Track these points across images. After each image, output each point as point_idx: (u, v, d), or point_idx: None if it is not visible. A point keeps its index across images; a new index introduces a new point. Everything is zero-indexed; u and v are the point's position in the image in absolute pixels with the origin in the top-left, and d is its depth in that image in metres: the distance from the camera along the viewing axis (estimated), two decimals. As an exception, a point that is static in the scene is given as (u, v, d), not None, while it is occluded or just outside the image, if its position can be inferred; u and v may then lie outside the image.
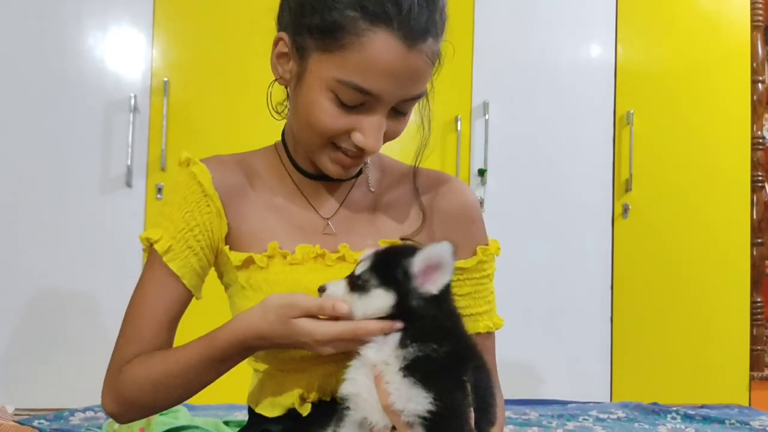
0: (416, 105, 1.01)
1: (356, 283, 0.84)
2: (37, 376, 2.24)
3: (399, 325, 0.81)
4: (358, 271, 0.85)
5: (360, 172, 1.08)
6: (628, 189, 2.58)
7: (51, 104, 2.28)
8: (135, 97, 2.30)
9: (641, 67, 2.62)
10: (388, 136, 0.98)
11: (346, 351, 0.85)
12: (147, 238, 1.01)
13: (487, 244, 1.09)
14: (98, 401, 1.93)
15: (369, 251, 0.87)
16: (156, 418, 1.52)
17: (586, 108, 2.60)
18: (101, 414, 1.75)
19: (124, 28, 2.34)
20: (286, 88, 1.04)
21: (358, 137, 0.94)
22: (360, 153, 0.96)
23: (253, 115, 2.37)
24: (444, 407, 0.77)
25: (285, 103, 1.08)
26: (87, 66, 2.32)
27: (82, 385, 2.24)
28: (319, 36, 0.93)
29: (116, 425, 1.51)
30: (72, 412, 1.75)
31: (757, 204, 2.65)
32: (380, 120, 0.94)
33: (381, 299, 0.82)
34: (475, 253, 1.06)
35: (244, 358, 0.94)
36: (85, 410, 1.77)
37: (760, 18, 2.68)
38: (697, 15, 2.66)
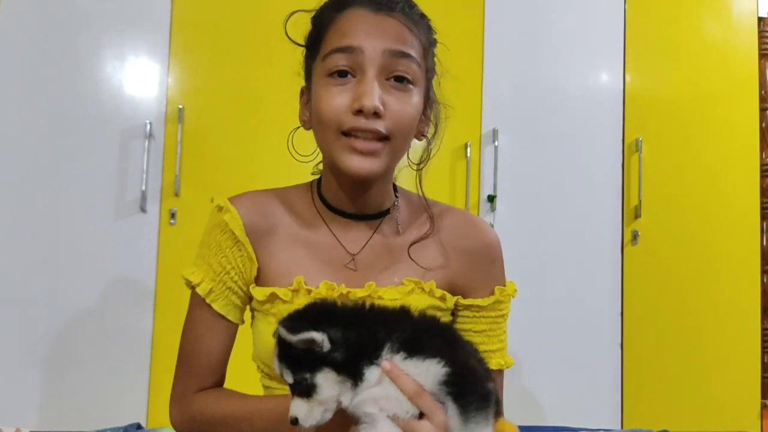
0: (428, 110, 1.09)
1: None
2: (50, 398, 2.26)
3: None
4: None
5: (388, 212, 1.11)
6: (637, 215, 2.58)
7: (68, 130, 2.33)
8: (150, 124, 2.34)
9: (649, 95, 2.64)
10: (395, 114, 0.99)
11: None
12: (188, 280, 1.08)
13: (504, 285, 1.13)
14: (110, 424, 1.94)
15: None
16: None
17: (595, 135, 2.61)
18: (112, 437, 1.76)
19: (140, 57, 2.40)
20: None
21: (356, 104, 0.97)
22: (364, 122, 0.97)
23: (267, 143, 2.41)
24: (456, 365, 0.80)
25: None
26: (104, 94, 2.37)
27: (94, 408, 2.26)
28: (311, 49, 1.06)
29: (127, 448, 1.53)
30: (84, 434, 1.76)
31: (767, 231, 2.64)
32: (372, 79, 0.98)
33: None
34: (492, 293, 1.11)
35: None
36: (97, 433, 1.78)
37: (768, 46, 2.70)
38: (704, 43, 2.68)
